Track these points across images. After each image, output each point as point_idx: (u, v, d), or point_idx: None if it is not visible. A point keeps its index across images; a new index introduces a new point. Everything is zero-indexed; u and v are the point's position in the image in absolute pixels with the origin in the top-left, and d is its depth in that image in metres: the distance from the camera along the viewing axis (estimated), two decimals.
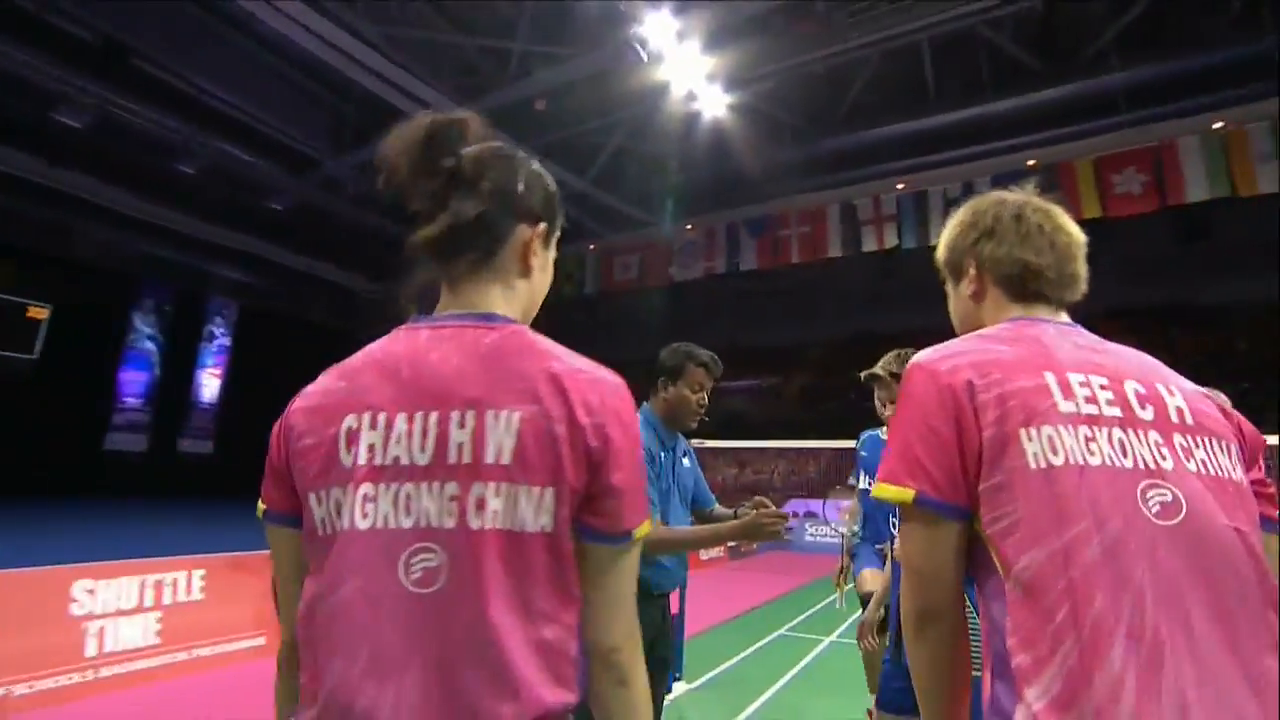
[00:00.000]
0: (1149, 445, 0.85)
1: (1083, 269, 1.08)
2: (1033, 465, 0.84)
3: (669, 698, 3.87)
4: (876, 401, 2.42)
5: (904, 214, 12.69)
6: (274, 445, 0.87)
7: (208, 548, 5.07)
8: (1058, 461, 0.83)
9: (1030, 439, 0.85)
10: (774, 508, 1.98)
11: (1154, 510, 0.81)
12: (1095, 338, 1.01)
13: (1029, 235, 1.06)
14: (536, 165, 1.00)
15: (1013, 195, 1.13)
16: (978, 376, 0.91)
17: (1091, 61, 12.83)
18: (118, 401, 19.14)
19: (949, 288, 1.18)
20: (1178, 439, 0.87)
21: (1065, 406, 0.87)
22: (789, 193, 14.23)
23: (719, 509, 2.38)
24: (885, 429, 2.99)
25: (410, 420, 0.79)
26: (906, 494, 0.90)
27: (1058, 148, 12.39)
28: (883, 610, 2.56)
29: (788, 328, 26.14)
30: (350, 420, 0.80)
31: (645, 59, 10.09)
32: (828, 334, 24.62)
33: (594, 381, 0.86)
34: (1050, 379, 0.89)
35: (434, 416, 0.79)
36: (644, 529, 0.86)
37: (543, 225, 0.97)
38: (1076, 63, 13.08)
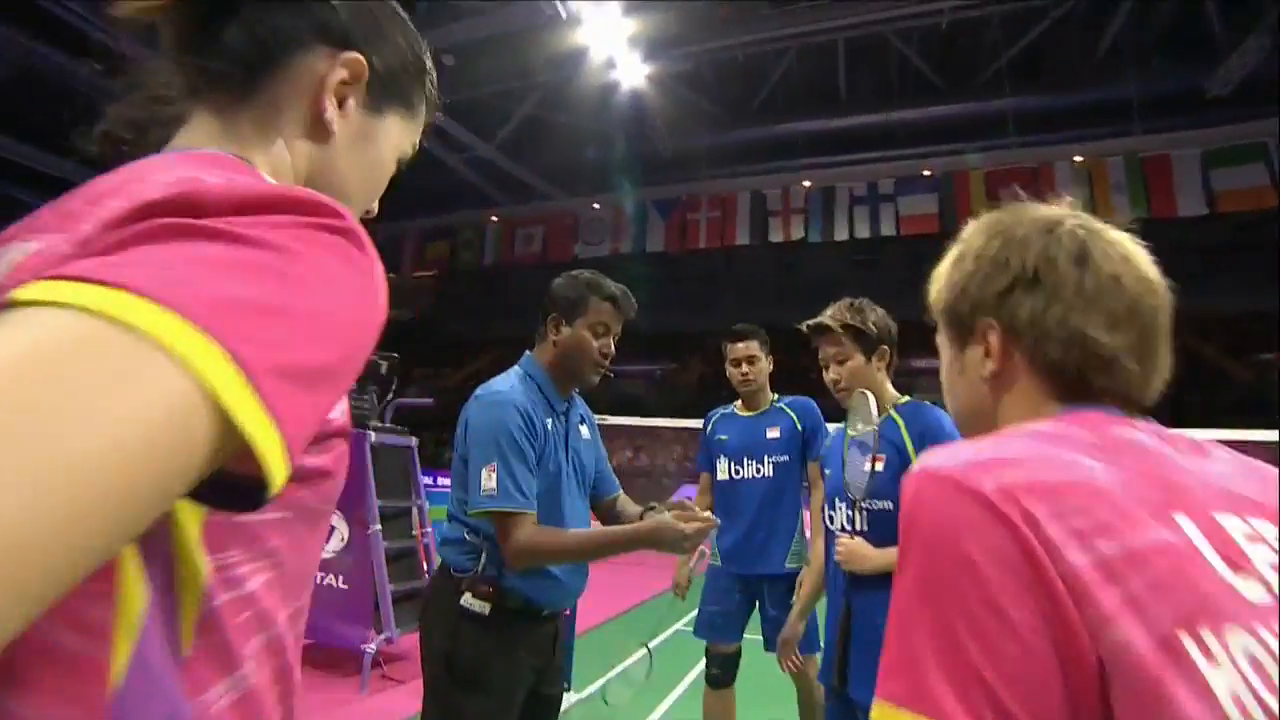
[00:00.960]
0: None
1: (1167, 347, 0.64)
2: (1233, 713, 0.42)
3: None
4: (821, 363, 1.79)
5: (811, 208, 12.96)
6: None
7: None
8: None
9: (1211, 657, 0.43)
10: (707, 514, 1.47)
11: None
12: (1184, 438, 0.60)
13: (1100, 294, 0.61)
14: None
15: (1061, 214, 0.66)
16: (1062, 514, 0.46)
17: (986, 84, 13.76)
18: None
19: (945, 348, 0.75)
20: None
21: (1248, 589, 0.47)
22: (701, 177, 14.18)
23: (624, 501, 1.78)
24: (745, 406, 2.64)
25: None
26: None
27: (954, 159, 13.10)
28: (806, 626, 2.21)
29: (689, 315, 26.41)
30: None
31: (564, 16, 9.56)
32: (728, 323, 24.81)
33: None
34: (1189, 528, 0.48)
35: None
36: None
37: (356, 59, 0.56)
38: (973, 84, 13.99)
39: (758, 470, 2.54)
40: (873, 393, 1.61)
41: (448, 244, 16.60)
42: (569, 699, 3.58)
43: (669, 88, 13.90)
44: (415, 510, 4.20)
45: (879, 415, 1.58)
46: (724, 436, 2.64)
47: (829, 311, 1.77)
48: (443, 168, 16.47)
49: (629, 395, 21.22)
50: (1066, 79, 13.65)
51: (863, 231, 12.87)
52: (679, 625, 5.99)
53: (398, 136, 0.63)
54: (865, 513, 1.60)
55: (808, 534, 2.49)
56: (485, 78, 13.79)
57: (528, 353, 1.66)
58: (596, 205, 15.29)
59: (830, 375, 1.76)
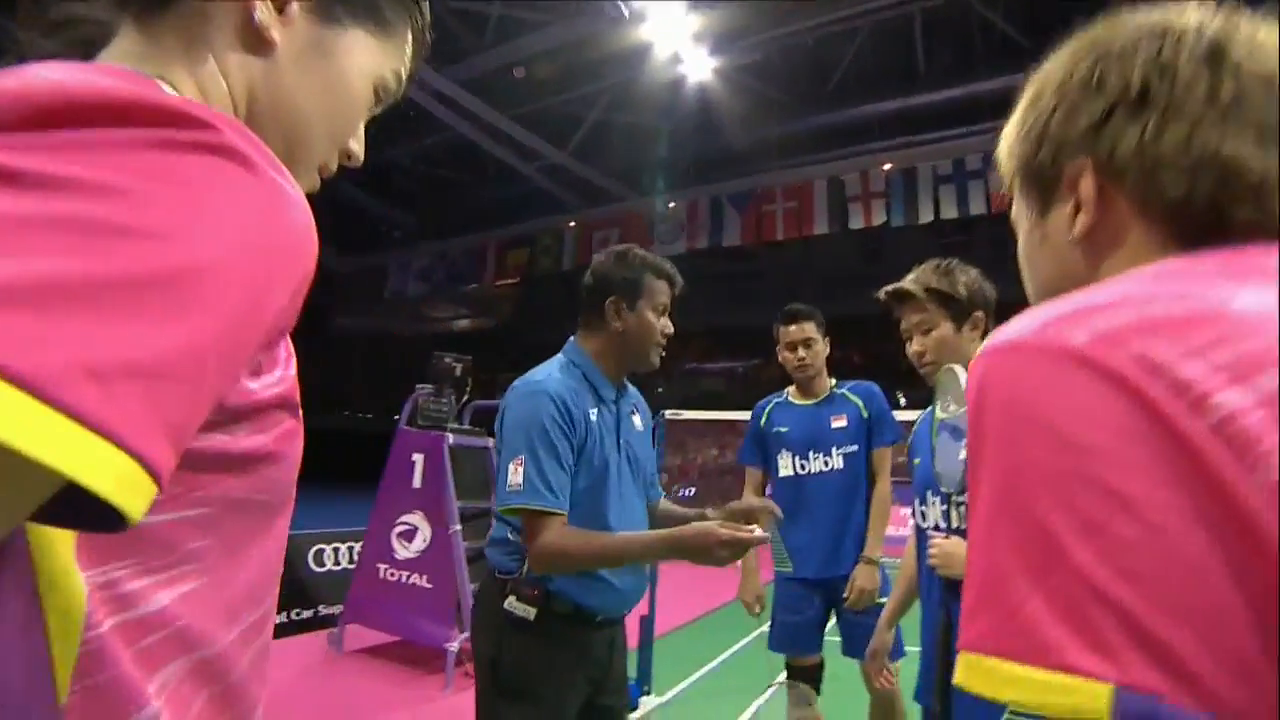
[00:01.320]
0: None
1: None
2: None
3: (634, 716, 3.32)
4: (903, 335, 1.56)
5: (893, 191, 12.38)
6: None
7: None
8: None
9: None
10: (752, 527, 1.32)
11: None
12: None
13: (1244, 100, 0.44)
14: None
15: (1184, 13, 0.48)
16: (1198, 350, 0.32)
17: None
18: None
19: (1022, 219, 0.58)
20: None
21: None
22: (774, 168, 13.87)
23: (666, 505, 1.66)
24: (802, 393, 2.43)
25: None
26: (1090, 693, 0.29)
27: None
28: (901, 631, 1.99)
29: (770, 310, 25.63)
30: None
31: (627, 15, 9.58)
32: None
33: None
34: None
35: None
36: None
37: None
38: (1059, 42, 12.94)
39: (826, 463, 2.35)
40: (964, 367, 1.43)
41: (526, 251, 17.01)
42: (649, 703, 3.54)
43: (737, 80, 13.66)
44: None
45: None
46: (784, 428, 2.44)
47: (911, 275, 1.55)
48: (517, 176, 16.90)
49: (712, 393, 21.02)
50: None
51: (949, 211, 12.16)
52: (765, 627, 5.84)
53: (366, 56, 0.53)
54: (961, 507, 1.41)
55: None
56: (553, 86, 14.05)
57: (571, 339, 1.58)
58: (672, 204, 15.23)
59: (913, 348, 1.52)
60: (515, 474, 1.32)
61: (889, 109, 13.69)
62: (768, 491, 2.50)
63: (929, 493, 1.49)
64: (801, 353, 2.39)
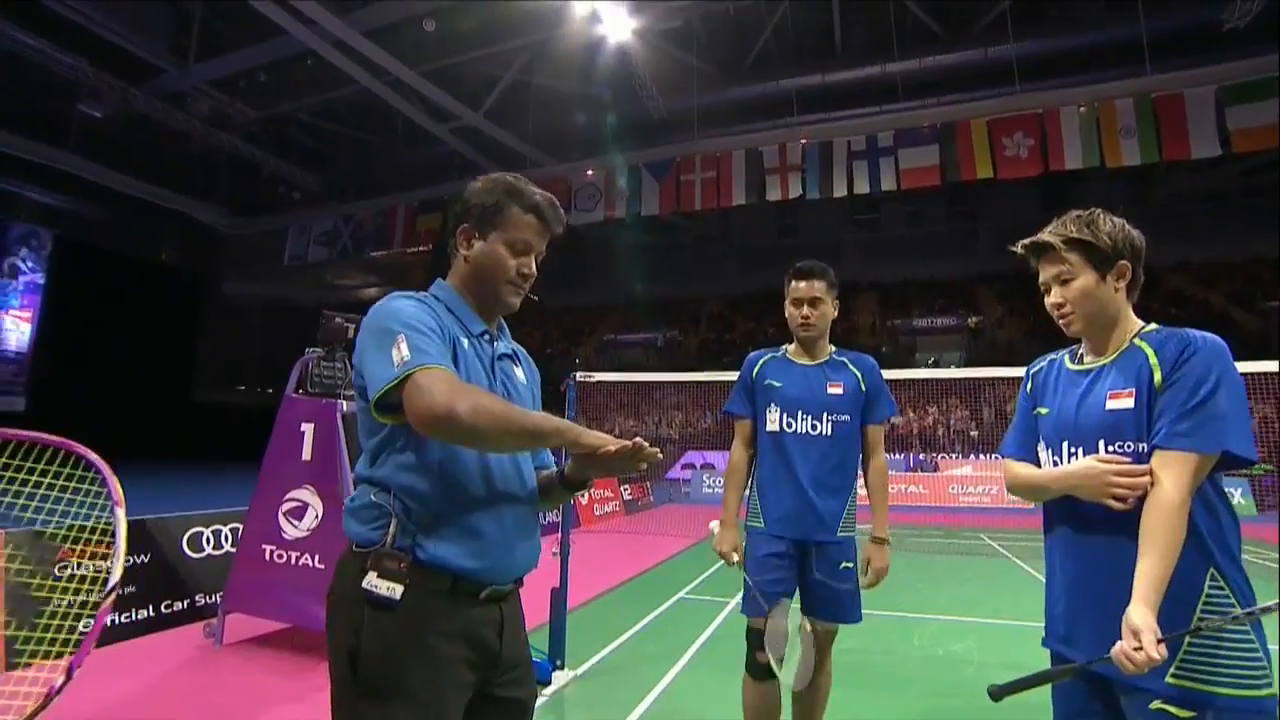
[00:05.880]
0: None
1: None
2: None
3: (547, 691, 3.19)
4: (1041, 288, 1.44)
5: (809, 165, 12.54)
6: None
7: None
8: None
9: None
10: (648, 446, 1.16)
11: None
12: None
13: None
14: None
15: None
16: None
17: (987, 29, 13.26)
18: None
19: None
20: None
21: None
22: (695, 137, 13.77)
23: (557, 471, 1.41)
24: (803, 352, 2.31)
25: None
26: None
27: (955, 108, 12.65)
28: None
29: (688, 280, 26.03)
30: None
31: None
32: (728, 287, 24.77)
33: None
34: None
35: None
36: None
37: None
38: (974, 30, 13.47)
39: (814, 426, 2.24)
40: (1108, 319, 1.36)
41: (440, 217, 16.24)
42: (562, 677, 3.39)
43: (658, 46, 13.41)
44: None
45: (1123, 345, 1.33)
46: (777, 383, 2.30)
47: (1050, 227, 1.44)
48: (429, 138, 16.03)
49: (631, 364, 21.01)
50: (1072, 20, 13.16)
51: (862, 187, 12.46)
52: (683, 594, 5.84)
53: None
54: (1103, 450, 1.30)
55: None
56: (467, 42, 13.31)
57: (439, 279, 1.34)
58: (590, 171, 14.87)
59: (1051, 299, 1.42)
60: (399, 352, 1.09)
61: (807, 84, 13.84)
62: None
63: (1066, 442, 1.37)
64: (807, 310, 2.26)
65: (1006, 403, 13.82)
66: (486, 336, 1.30)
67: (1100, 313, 1.37)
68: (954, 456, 14.95)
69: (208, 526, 4.18)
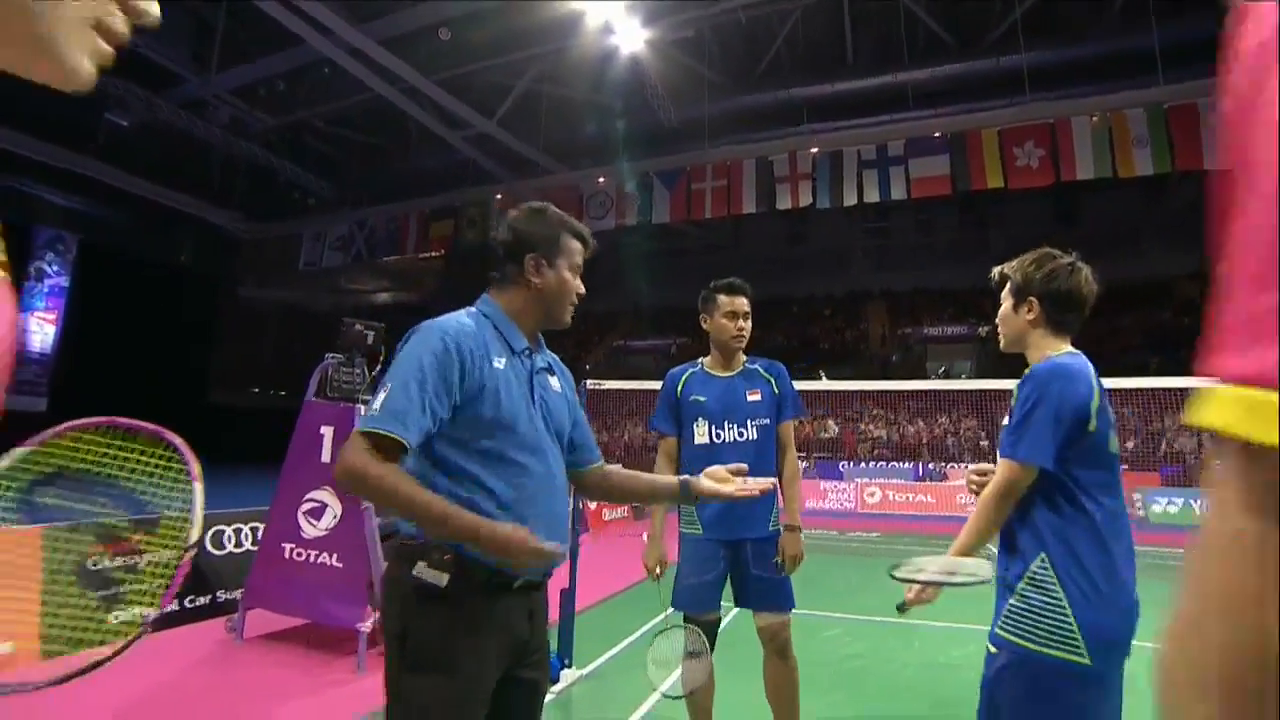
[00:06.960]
0: None
1: None
2: None
3: (555, 689, 3.30)
4: (1012, 312, 1.66)
5: (819, 174, 12.61)
6: None
7: None
8: None
9: None
10: (733, 485, 1.51)
11: None
12: None
13: None
14: None
15: None
16: None
17: (999, 39, 13.28)
18: None
19: None
20: None
21: None
22: (706, 146, 13.88)
23: (618, 473, 1.65)
24: (721, 365, 2.52)
25: None
26: None
27: (966, 118, 12.68)
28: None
29: (698, 288, 25.94)
30: None
31: None
32: None
33: None
34: None
35: None
36: None
37: None
38: (985, 40, 13.50)
39: (740, 434, 2.44)
40: (1021, 343, 1.66)
41: (451, 224, 16.42)
42: (570, 675, 3.47)
43: (670, 56, 13.53)
44: None
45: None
46: (701, 398, 2.49)
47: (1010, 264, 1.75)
48: (443, 145, 16.23)
49: (640, 370, 21.07)
50: (1084, 31, 13.16)
51: (872, 195, 12.52)
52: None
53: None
54: None
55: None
56: (482, 51, 13.49)
57: (485, 294, 1.52)
58: (601, 179, 15.01)
59: (1021, 328, 1.71)
60: (383, 396, 1.26)
61: (818, 93, 13.90)
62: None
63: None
64: (741, 323, 2.48)
65: None
66: (528, 352, 1.48)
67: (1012, 336, 1.66)
68: (963, 466, 14.92)
69: (229, 525, 4.31)
